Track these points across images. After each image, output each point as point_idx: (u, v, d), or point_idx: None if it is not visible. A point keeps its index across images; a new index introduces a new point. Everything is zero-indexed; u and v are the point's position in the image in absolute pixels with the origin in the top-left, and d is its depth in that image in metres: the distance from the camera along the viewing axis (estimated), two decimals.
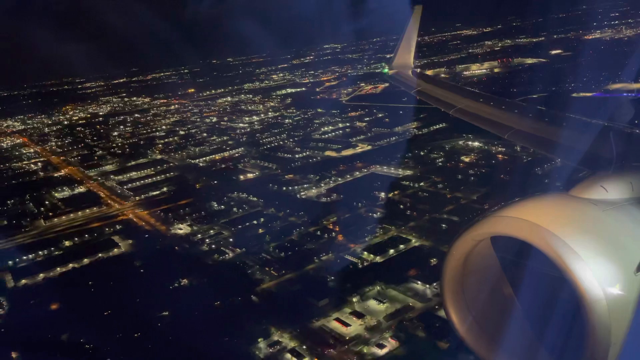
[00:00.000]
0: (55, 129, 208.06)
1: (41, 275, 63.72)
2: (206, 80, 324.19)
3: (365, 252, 57.87)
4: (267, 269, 57.87)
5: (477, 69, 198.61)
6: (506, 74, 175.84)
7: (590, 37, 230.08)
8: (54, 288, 59.56)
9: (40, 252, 71.25)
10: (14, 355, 47.23)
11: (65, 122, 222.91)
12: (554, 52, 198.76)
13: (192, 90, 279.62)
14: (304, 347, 42.99)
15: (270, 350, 43.07)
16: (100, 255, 67.66)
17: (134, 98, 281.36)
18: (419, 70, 23.56)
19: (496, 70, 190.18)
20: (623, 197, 5.85)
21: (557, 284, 5.11)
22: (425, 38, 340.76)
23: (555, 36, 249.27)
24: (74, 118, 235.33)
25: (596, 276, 4.74)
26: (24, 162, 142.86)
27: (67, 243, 74.02)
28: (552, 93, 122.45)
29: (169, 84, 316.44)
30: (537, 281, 5.67)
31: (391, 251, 57.06)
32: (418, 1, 23.47)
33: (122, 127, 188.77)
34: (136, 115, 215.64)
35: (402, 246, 57.80)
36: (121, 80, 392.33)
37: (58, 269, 64.98)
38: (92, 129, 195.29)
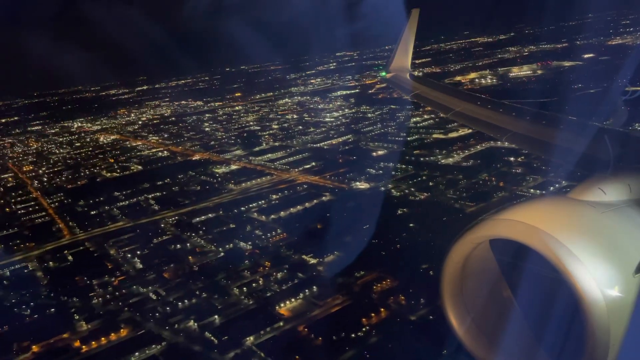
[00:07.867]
0: (136, 127, 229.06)
1: (282, 212, 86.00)
2: (240, 85, 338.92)
3: (532, 190, 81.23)
4: (460, 202, 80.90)
5: (518, 71, 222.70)
6: (552, 74, 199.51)
7: (614, 42, 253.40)
8: (305, 218, 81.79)
9: (259, 202, 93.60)
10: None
11: (140, 122, 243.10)
12: (586, 55, 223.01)
13: (239, 94, 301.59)
14: None
15: None
16: (315, 201, 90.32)
17: (183, 102, 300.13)
18: (416, 73, 24.42)
19: (539, 72, 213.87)
20: (621, 199, 5.99)
21: (556, 286, 5.20)
22: (441, 45, 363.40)
23: (577, 42, 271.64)
24: (143, 119, 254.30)
25: (595, 278, 4.78)
26: (148, 152, 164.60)
27: (274, 196, 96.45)
28: (606, 88, 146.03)
29: (203, 89, 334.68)
30: (536, 283, 5.74)
31: (551, 188, 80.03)
32: (415, 5, 24.03)
33: (206, 124, 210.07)
34: (207, 115, 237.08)
35: (557, 185, 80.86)
36: (144, 88, 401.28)
37: (291, 209, 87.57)
38: (176, 126, 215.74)
